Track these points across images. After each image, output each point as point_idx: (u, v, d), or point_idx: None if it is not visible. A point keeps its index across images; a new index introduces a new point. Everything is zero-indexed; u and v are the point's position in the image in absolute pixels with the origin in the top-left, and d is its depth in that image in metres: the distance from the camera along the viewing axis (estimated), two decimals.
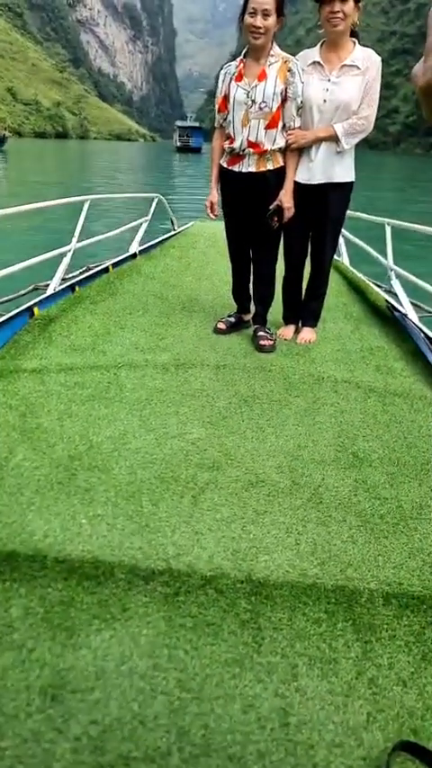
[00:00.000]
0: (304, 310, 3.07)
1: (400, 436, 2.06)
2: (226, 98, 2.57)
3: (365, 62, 2.43)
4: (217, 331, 3.02)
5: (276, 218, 2.62)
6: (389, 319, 3.36)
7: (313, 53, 2.53)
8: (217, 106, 2.64)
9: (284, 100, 2.48)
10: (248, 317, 3.14)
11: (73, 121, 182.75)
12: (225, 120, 2.62)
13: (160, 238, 5.63)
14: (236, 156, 2.62)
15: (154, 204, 5.91)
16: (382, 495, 1.68)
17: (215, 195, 2.82)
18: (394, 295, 3.81)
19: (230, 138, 2.60)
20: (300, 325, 3.10)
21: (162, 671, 1.12)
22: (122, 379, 2.39)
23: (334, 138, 2.52)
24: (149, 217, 5.63)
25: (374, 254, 4.50)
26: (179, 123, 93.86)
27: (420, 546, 1.47)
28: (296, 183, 2.63)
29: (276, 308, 3.08)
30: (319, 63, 2.49)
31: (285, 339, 3.03)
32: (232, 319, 3.09)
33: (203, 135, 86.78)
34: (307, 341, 3.00)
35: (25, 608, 1.24)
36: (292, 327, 3.11)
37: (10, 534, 1.40)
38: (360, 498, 1.66)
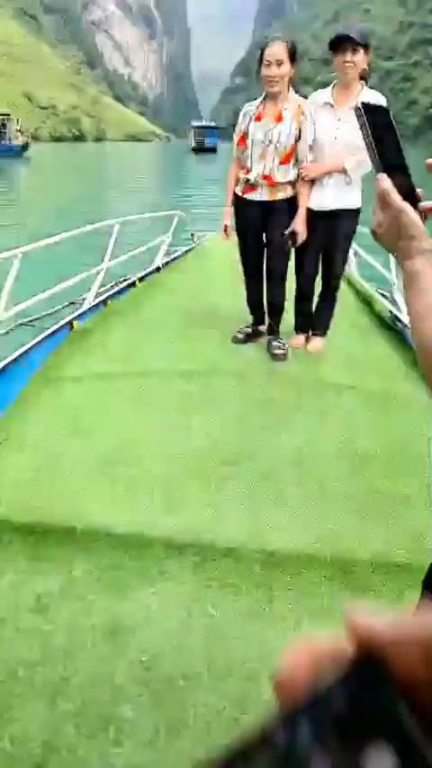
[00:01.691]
0: (315, 321, 3.37)
1: (398, 437, 2.36)
2: (245, 135, 2.88)
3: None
4: (235, 341, 3.34)
5: (290, 242, 2.94)
6: (393, 329, 3.64)
7: (325, 94, 2.83)
8: (236, 141, 2.96)
9: (298, 139, 2.79)
10: (263, 327, 3.46)
11: (89, 124, 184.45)
12: (243, 153, 2.93)
13: (181, 251, 5.96)
14: (250, 185, 2.94)
15: (175, 222, 6.19)
16: (376, 486, 2.00)
17: (229, 219, 3.14)
18: (398, 306, 4.07)
19: (246, 169, 2.92)
20: (310, 334, 3.41)
21: (194, 618, 1.46)
22: (152, 385, 2.73)
23: (343, 171, 2.82)
24: (170, 233, 5.91)
25: (379, 267, 4.73)
26: (194, 123, 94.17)
27: (405, 527, 1.78)
28: (309, 209, 2.94)
29: (289, 318, 3.38)
30: (330, 104, 2.80)
31: (297, 348, 3.33)
32: (249, 330, 3.41)
33: (218, 134, 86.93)
34: (317, 349, 3.30)
35: (84, 570, 1.60)
36: (303, 337, 3.41)
37: (68, 513, 1.78)
38: (357, 489, 1.98)
